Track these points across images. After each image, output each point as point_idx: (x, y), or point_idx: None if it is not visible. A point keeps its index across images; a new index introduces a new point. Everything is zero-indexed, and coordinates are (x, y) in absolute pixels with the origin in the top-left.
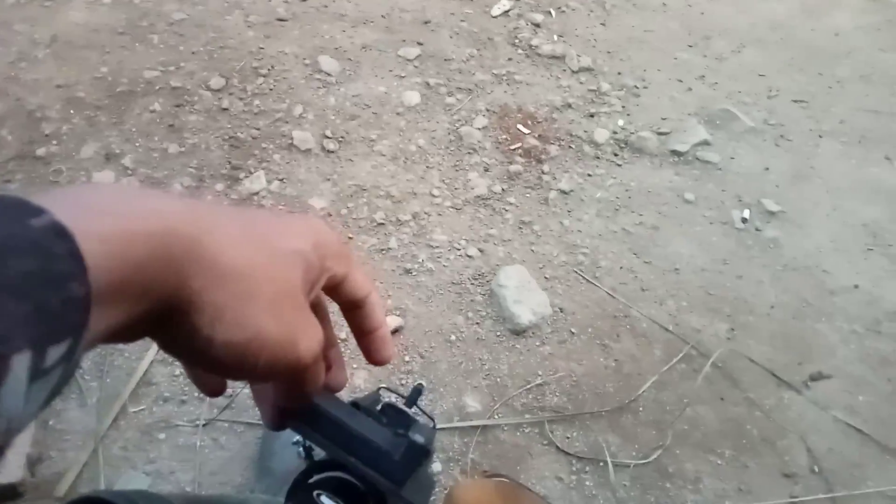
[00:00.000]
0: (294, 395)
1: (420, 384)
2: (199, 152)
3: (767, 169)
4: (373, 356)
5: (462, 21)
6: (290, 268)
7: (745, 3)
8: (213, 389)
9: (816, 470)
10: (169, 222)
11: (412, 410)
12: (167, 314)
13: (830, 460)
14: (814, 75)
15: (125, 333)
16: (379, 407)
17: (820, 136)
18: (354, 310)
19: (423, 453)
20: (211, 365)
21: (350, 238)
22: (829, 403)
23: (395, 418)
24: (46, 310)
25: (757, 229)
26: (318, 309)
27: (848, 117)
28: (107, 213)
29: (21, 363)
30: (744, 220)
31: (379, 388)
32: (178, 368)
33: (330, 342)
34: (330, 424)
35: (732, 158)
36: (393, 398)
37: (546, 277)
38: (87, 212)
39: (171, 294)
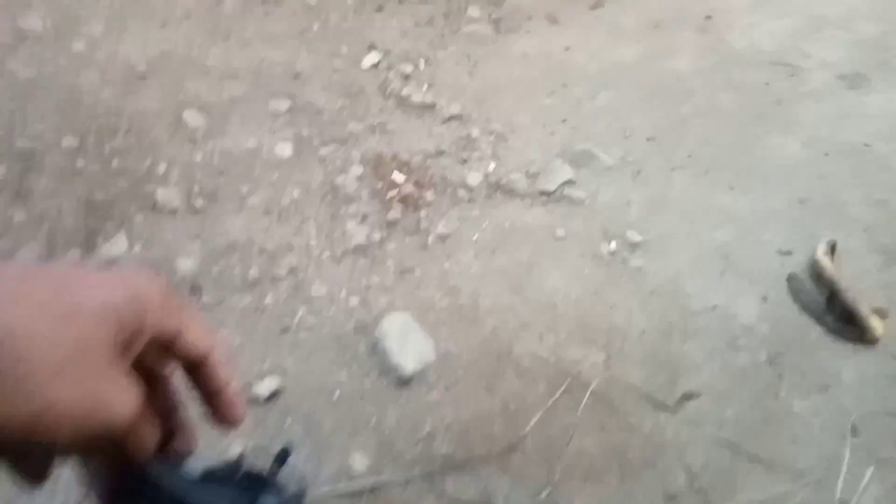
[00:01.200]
0: (119, 468)
1: (287, 446)
2: (51, 218)
3: (628, 203)
4: (220, 419)
5: (332, 74)
6: (90, 326)
7: (596, 52)
8: (31, 476)
9: (695, 486)
10: None
11: (280, 475)
12: None
13: (706, 475)
14: (662, 114)
15: None
16: (239, 474)
17: (672, 170)
18: (195, 369)
19: None
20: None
21: (221, 300)
22: (701, 420)
23: (252, 485)
24: None
25: (623, 259)
26: (147, 370)
27: (694, 151)
28: None
29: None
30: (611, 252)
31: (240, 454)
32: None
33: (170, 405)
34: (167, 498)
35: (596, 195)
36: (260, 464)
37: (430, 322)
38: None
39: None
